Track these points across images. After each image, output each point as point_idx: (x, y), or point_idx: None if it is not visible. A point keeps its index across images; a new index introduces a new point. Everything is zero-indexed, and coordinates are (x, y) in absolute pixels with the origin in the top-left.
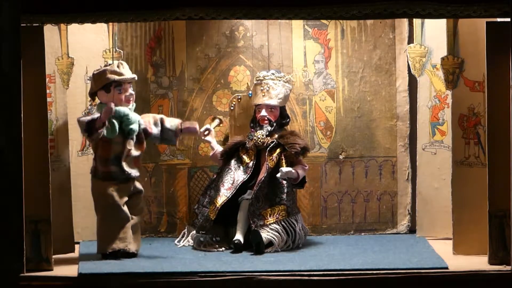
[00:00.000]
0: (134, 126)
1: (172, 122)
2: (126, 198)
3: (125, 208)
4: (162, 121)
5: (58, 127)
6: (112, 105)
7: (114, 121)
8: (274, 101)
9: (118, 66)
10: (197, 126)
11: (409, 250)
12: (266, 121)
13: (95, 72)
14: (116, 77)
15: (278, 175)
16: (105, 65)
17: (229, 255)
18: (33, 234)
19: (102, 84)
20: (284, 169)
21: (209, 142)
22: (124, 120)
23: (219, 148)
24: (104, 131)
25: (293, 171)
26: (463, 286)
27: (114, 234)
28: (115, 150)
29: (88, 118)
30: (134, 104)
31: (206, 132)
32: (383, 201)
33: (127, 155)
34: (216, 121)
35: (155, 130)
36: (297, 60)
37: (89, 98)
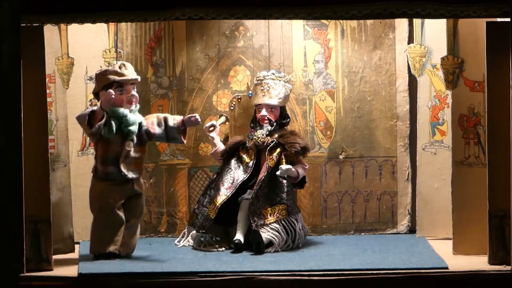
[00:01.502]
0: (133, 128)
1: (175, 120)
2: (122, 201)
3: (120, 211)
4: (166, 120)
5: (58, 127)
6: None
7: (113, 121)
8: (274, 101)
9: (120, 67)
10: (197, 116)
11: (409, 250)
12: (266, 121)
13: (97, 72)
14: (117, 78)
15: (278, 172)
16: (108, 66)
17: (229, 255)
18: (33, 234)
19: (103, 84)
20: (284, 166)
21: (212, 138)
22: (123, 121)
23: (221, 146)
24: (102, 130)
25: (293, 169)
26: (463, 286)
27: (105, 236)
28: (114, 150)
29: (88, 110)
30: (138, 106)
31: (211, 128)
32: (383, 201)
33: (126, 156)
34: (222, 119)
35: (159, 130)
36: (297, 60)
37: (89, 98)
